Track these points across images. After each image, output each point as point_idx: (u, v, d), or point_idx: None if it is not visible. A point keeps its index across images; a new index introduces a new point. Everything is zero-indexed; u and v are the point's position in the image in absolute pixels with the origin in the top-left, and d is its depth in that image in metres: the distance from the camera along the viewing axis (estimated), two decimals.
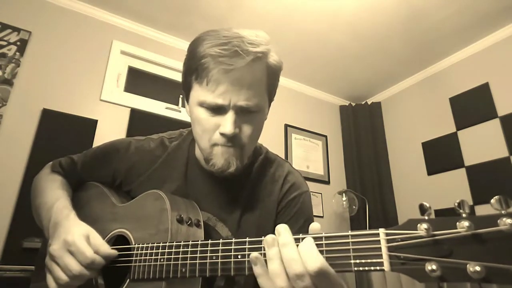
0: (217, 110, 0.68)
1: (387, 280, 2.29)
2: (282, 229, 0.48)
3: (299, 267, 0.44)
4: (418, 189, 2.96)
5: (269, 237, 0.49)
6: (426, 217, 0.40)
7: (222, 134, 0.68)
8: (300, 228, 0.78)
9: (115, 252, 0.66)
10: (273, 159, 0.88)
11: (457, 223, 0.37)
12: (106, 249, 0.64)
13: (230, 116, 0.67)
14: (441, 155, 2.83)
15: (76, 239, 0.62)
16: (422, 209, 0.40)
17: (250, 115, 0.69)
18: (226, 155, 0.69)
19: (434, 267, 0.37)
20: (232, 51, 0.63)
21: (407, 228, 0.41)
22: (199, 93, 0.68)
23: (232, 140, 0.69)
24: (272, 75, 0.71)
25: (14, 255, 1.75)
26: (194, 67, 0.68)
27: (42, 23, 2.24)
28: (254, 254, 0.49)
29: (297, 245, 0.46)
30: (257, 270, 0.48)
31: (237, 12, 2.44)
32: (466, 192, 2.55)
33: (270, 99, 0.77)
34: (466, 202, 0.38)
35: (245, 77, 0.65)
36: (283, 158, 0.97)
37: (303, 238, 0.47)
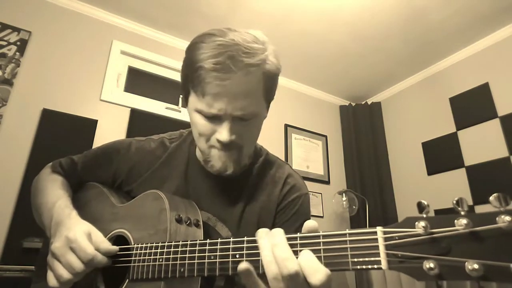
0: (214, 118, 0.68)
1: (387, 279, 2.28)
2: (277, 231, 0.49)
3: (293, 266, 0.44)
4: (418, 189, 2.96)
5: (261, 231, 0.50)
6: (424, 215, 0.40)
7: (218, 141, 0.69)
8: (296, 229, 0.79)
9: (115, 248, 0.66)
10: (273, 161, 0.88)
11: (455, 220, 0.37)
12: (107, 246, 0.65)
13: (226, 125, 0.67)
14: (441, 155, 2.83)
15: (78, 236, 0.63)
16: (420, 207, 0.40)
17: (247, 121, 0.70)
18: (223, 159, 0.71)
19: (432, 265, 0.37)
20: (226, 65, 0.62)
21: (405, 226, 0.41)
22: (196, 102, 0.69)
23: (228, 145, 0.69)
24: (269, 80, 0.70)
25: (14, 255, 1.75)
26: (190, 76, 0.68)
27: (42, 23, 2.24)
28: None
29: (295, 246, 0.46)
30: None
31: (237, 12, 2.44)
32: (466, 192, 2.55)
33: (269, 101, 0.76)
34: (465, 199, 0.38)
35: (240, 87, 0.65)
36: (283, 158, 0.97)
37: (301, 237, 0.47)
